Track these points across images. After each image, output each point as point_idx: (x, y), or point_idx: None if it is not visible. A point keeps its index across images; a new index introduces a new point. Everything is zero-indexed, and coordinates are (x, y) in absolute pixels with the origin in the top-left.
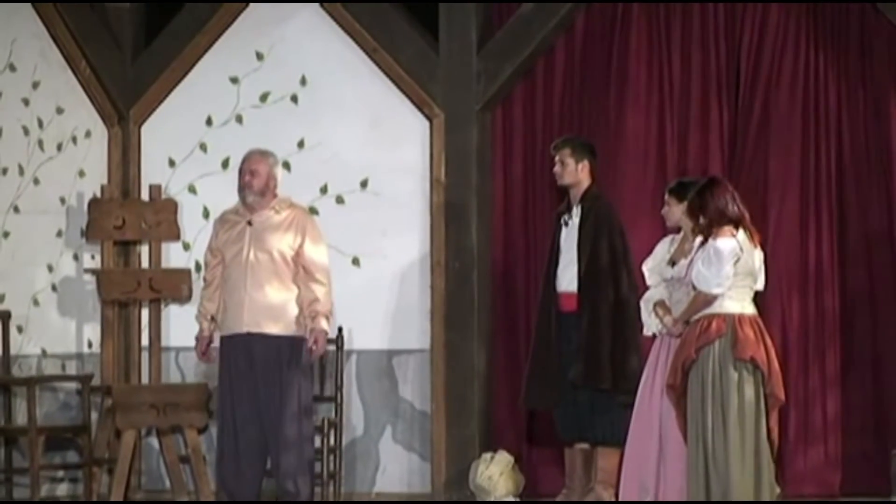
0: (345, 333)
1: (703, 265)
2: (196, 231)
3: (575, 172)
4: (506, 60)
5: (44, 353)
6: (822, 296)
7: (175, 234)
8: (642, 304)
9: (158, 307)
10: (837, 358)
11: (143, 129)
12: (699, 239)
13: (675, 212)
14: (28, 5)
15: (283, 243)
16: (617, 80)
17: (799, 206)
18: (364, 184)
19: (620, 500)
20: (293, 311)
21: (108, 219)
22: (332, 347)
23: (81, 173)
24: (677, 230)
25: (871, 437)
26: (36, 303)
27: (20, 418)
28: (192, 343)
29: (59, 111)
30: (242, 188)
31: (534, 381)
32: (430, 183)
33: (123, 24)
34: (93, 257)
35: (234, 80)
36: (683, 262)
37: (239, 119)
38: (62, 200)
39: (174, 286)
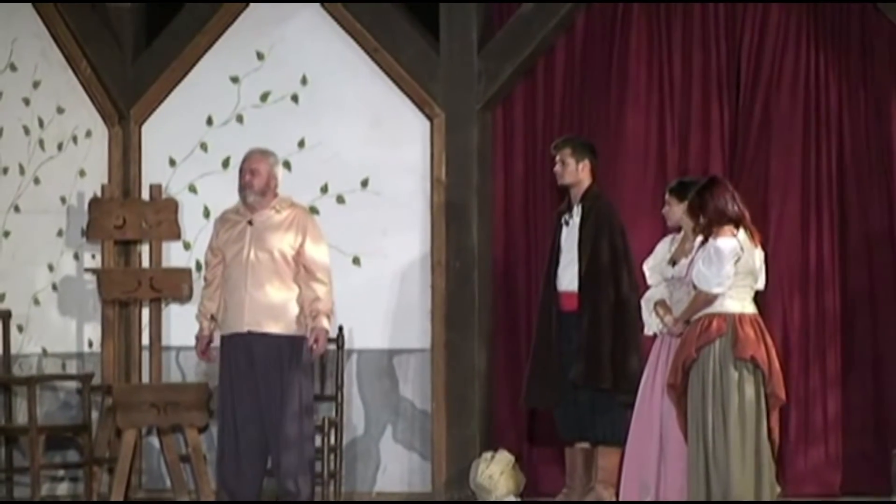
0: (345, 333)
1: (704, 264)
2: (196, 230)
3: (575, 172)
4: (506, 60)
5: (44, 352)
6: (823, 296)
7: (175, 234)
8: (643, 303)
9: (159, 306)
10: (838, 358)
11: (144, 128)
12: (700, 238)
13: (676, 211)
14: (29, 5)
15: (284, 243)
16: (617, 80)
17: (800, 205)
18: (365, 183)
19: (621, 499)
20: (294, 310)
21: (109, 218)
22: (332, 347)
23: (82, 173)
24: (678, 229)
25: (871, 436)
26: (36, 302)
27: (21, 417)
28: (193, 342)
29: (60, 111)
30: (243, 188)
31: (534, 381)
32: (431, 182)
33: (124, 23)
34: (93, 257)
35: (235, 80)
36: (684, 262)
37: (239, 119)
38: (63, 200)
39: (175, 285)
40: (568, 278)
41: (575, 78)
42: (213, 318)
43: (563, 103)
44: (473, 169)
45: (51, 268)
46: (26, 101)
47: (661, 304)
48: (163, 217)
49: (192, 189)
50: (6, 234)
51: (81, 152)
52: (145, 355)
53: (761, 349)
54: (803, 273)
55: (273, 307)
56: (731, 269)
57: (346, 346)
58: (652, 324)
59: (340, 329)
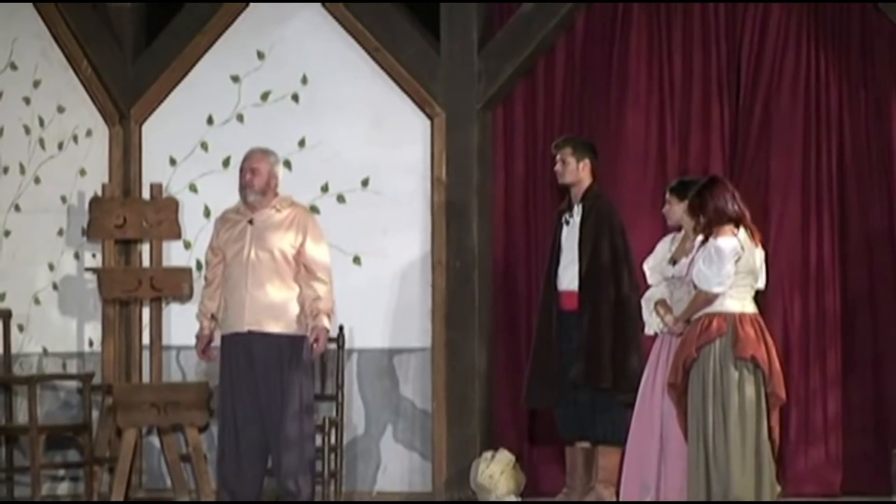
0: (346, 332)
1: (704, 264)
2: (197, 230)
3: (576, 171)
4: (506, 60)
5: (45, 351)
6: (824, 295)
7: (176, 233)
8: (643, 302)
9: (159, 306)
10: (838, 357)
11: (144, 127)
12: (700, 238)
13: (676, 210)
14: (29, 5)
15: (285, 242)
16: (618, 79)
17: (800, 205)
18: (365, 183)
19: (621, 499)
20: (294, 309)
21: (109, 217)
22: (333, 346)
23: (82, 172)
24: (678, 229)
25: (871, 436)
26: (37, 301)
27: (21, 417)
28: (193, 342)
29: (61, 110)
30: (243, 187)
31: (535, 380)
32: (431, 182)
33: (124, 23)
34: (94, 256)
35: (235, 79)
36: (684, 261)
37: (240, 118)
38: (63, 199)
39: (175, 285)
40: (568, 278)
41: (575, 78)
42: (213, 317)
43: (563, 103)
44: (473, 168)
45: (51, 267)
46: (27, 101)
47: (661, 304)
48: (163, 216)
49: (193, 188)
50: (7, 233)
51: (82, 152)
52: (146, 355)
53: (762, 349)
54: (804, 273)
55: (273, 306)
56: (731, 269)
57: (347, 345)
58: (652, 323)
59: (341, 328)
